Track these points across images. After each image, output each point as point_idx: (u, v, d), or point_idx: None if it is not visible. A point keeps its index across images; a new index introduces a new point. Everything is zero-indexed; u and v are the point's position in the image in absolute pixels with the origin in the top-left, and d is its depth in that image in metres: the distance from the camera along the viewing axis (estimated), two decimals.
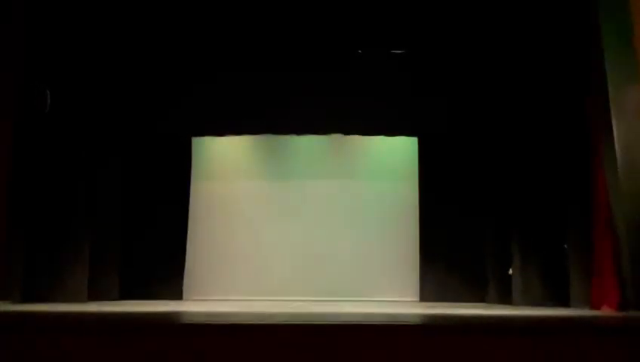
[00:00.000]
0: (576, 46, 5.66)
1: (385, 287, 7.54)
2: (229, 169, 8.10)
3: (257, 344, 3.02)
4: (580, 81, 5.61)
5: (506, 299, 6.52)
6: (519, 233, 6.48)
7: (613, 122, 4.81)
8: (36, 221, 5.95)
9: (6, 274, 5.42)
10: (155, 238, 7.40)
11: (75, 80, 6.35)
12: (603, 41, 4.95)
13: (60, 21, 6.16)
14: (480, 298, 7.02)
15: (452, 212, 7.45)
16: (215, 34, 7.02)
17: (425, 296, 7.36)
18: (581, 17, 5.49)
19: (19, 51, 5.50)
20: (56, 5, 6.04)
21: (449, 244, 7.40)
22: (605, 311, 5.04)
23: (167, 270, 7.38)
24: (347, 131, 7.73)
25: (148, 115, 7.60)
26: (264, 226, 7.82)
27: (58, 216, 6.10)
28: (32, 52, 5.78)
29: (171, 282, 7.37)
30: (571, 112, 5.94)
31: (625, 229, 4.72)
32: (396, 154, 8.02)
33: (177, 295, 7.33)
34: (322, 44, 7.18)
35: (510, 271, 6.32)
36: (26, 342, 3.03)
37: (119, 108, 7.19)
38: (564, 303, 5.84)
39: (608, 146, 4.91)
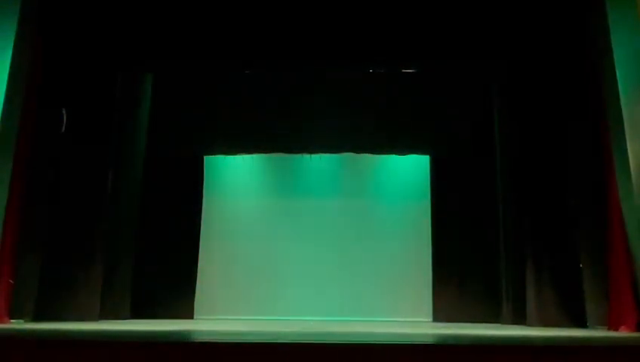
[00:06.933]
0: (589, 64, 5.65)
1: (397, 307, 7.45)
2: (240, 188, 8.13)
3: None
4: (593, 99, 5.58)
5: (520, 319, 6.40)
6: (534, 251, 6.39)
7: (627, 141, 4.78)
8: (49, 240, 6.01)
9: (20, 293, 5.46)
10: (167, 257, 7.43)
11: (91, 99, 6.47)
12: (615, 60, 4.95)
13: (75, 43, 6.29)
14: (494, 318, 6.91)
15: (465, 231, 7.39)
16: (227, 53, 7.11)
17: (438, 315, 7.28)
18: (593, 37, 5.49)
19: (36, 72, 5.63)
20: (70, 27, 6.19)
21: (462, 263, 7.32)
22: (624, 332, 4.92)
23: (178, 289, 7.38)
24: (359, 150, 7.76)
25: (160, 134, 7.69)
26: (275, 245, 7.81)
27: (71, 236, 6.14)
28: (49, 73, 5.91)
29: (182, 301, 7.37)
30: (585, 131, 5.90)
31: None
32: (408, 172, 8.01)
33: (188, 313, 7.32)
34: (334, 63, 7.24)
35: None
36: (38, 359, 3.03)
37: (132, 127, 7.29)
38: (581, 323, 5.73)
39: (622, 164, 4.87)
